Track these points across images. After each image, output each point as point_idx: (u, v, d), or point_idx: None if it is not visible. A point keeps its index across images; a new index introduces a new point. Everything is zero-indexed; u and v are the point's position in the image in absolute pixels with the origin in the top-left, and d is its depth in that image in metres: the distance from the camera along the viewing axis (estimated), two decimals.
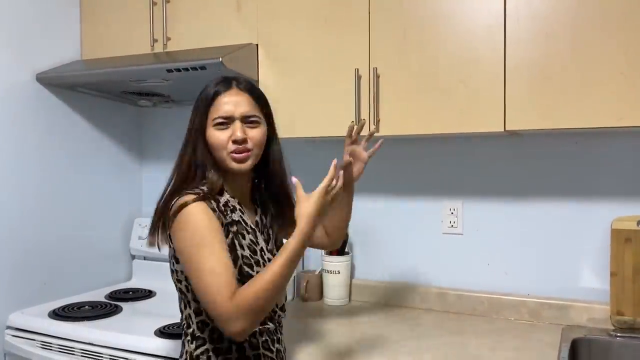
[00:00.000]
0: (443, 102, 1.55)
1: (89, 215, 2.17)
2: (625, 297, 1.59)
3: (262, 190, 1.34)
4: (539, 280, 1.77)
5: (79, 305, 1.91)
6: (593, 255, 1.70)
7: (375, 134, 1.57)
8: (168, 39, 1.92)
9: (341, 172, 1.19)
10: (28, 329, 1.76)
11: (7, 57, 1.86)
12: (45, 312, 1.83)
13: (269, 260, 1.22)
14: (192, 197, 1.14)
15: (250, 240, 1.22)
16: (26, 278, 1.92)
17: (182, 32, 1.91)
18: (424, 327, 1.68)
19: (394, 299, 1.95)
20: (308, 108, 1.72)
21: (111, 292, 2.11)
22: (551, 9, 1.42)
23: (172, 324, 1.64)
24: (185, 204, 1.13)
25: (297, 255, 1.10)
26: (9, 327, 1.81)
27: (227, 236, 1.17)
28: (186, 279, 1.16)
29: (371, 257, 2.03)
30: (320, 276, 2.00)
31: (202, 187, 1.19)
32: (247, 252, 1.20)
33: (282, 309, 1.30)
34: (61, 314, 1.81)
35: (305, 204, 1.13)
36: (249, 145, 1.21)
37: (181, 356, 1.25)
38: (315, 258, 2.06)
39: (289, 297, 2.00)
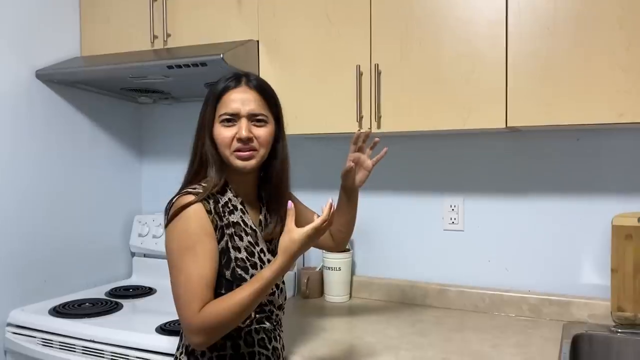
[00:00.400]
0: (444, 99, 1.55)
1: (88, 213, 2.16)
2: (626, 294, 1.59)
3: (267, 189, 1.32)
4: (540, 277, 1.77)
5: (80, 303, 1.91)
6: (594, 251, 1.70)
7: (375, 133, 1.57)
8: (168, 35, 1.92)
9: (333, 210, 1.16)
10: (29, 326, 1.76)
11: (7, 53, 1.85)
12: (46, 309, 1.83)
13: (268, 261, 1.22)
14: (190, 197, 1.15)
15: (249, 242, 1.22)
16: (26, 275, 1.91)
17: (182, 28, 1.90)
18: (425, 324, 1.68)
19: (394, 295, 1.95)
20: (309, 105, 1.72)
21: (111, 290, 2.11)
22: (553, 4, 1.42)
23: (173, 320, 1.64)
24: (181, 206, 1.14)
25: (269, 286, 1.11)
26: (9, 325, 1.80)
27: (221, 239, 1.17)
28: None
29: (372, 254, 2.03)
30: (321, 273, 2.00)
31: (204, 185, 1.19)
32: (243, 255, 1.19)
33: (280, 308, 1.30)
34: (62, 311, 1.81)
35: (291, 239, 1.11)
36: (254, 144, 1.20)
37: (178, 349, 1.26)
38: (315, 255, 2.06)
39: (290, 294, 1.99)
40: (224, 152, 1.20)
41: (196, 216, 1.14)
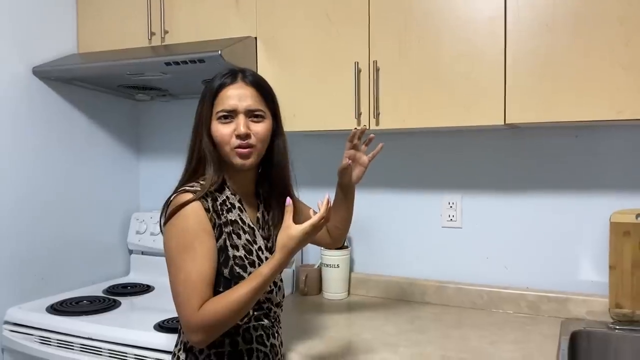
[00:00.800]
0: (443, 96, 1.54)
1: (86, 210, 2.16)
2: (624, 290, 1.59)
3: (265, 186, 1.32)
4: (538, 274, 1.77)
5: (77, 300, 1.90)
6: (592, 248, 1.70)
7: (374, 130, 1.57)
8: (166, 32, 1.91)
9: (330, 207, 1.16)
10: (26, 324, 1.75)
11: (3, 50, 1.84)
12: (43, 307, 1.82)
13: (266, 259, 1.21)
14: (188, 196, 1.14)
15: (247, 240, 1.22)
16: (24, 273, 1.91)
17: (179, 25, 1.89)
18: (423, 321, 1.68)
19: (393, 292, 1.95)
20: (307, 102, 1.71)
21: (109, 287, 2.10)
22: (552, 0, 1.42)
23: (172, 318, 1.64)
24: (179, 204, 1.13)
25: (268, 283, 1.11)
26: (6, 322, 1.80)
27: (220, 237, 1.17)
28: None
29: (370, 251, 2.03)
30: (319, 270, 2.00)
31: (202, 182, 1.18)
32: (241, 253, 1.19)
33: (278, 305, 1.30)
34: (59, 308, 1.81)
35: (289, 236, 1.11)
36: (252, 140, 1.19)
37: (176, 345, 1.26)
38: (314, 252, 2.06)
39: (288, 291, 1.99)
40: (223, 149, 1.20)
41: (195, 214, 1.13)
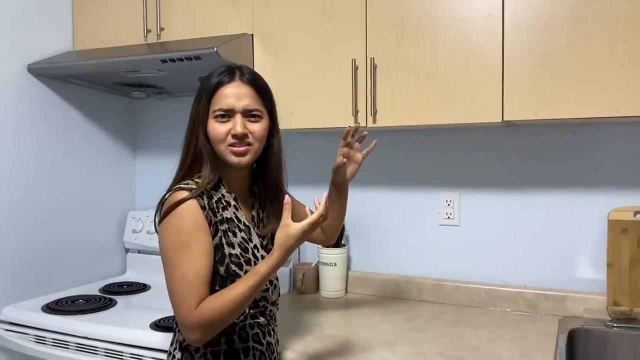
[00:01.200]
0: (441, 93, 1.54)
1: (82, 208, 2.15)
2: (622, 288, 1.59)
3: (260, 184, 1.32)
4: (536, 272, 1.77)
5: (73, 299, 1.89)
6: (590, 246, 1.70)
7: (372, 127, 1.56)
8: (162, 29, 1.90)
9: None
10: (21, 323, 1.74)
11: None
12: (39, 306, 1.81)
13: (262, 257, 1.21)
14: (184, 193, 1.13)
15: (242, 238, 1.21)
16: (19, 272, 1.90)
17: (175, 22, 1.88)
18: (421, 319, 1.68)
19: (390, 290, 1.94)
20: (304, 99, 1.70)
21: (105, 286, 2.09)
22: None
23: (168, 317, 1.63)
24: (175, 202, 1.12)
25: (265, 281, 1.11)
26: (2, 322, 1.78)
27: (216, 235, 1.16)
28: None
29: (368, 249, 2.02)
30: (317, 268, 1.99)
31: (197, 180, 1.18)
32: (237, 251, 1.19)
33: (274, 304, 1.29)
34: (55, 307, 1.80)
35: (287, 234, 1.10)
36: (249, 139, 1.19)
37: (171, 344, 1.26)
38: (311, 250, 2.05)
39: (285, 290, 1.99)
40: (219, 147, 1.19)
41: (191, 212, 1.13)
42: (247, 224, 1.24)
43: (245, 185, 1.29)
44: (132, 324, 1.63)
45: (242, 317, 1.19)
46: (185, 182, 1.17)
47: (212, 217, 1.16)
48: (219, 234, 1.17)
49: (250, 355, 1.21)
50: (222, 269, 1.15)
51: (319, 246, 1.94)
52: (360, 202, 1.98)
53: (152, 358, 1.52)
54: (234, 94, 1.18)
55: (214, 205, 1.18)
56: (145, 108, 2.42)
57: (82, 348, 1.62)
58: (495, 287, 1.79)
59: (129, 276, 2.27)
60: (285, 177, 1.32)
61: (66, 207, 2.08)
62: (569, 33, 1.40)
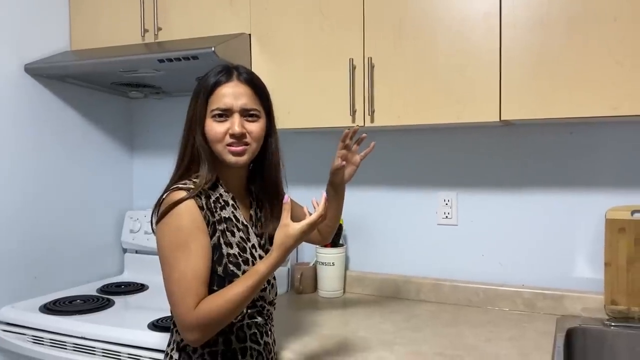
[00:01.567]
0: (438, 92, 1.54)
1: (79, 208, 2.14)
2: (619, 287, 1.59)
3: (257, 184, 1.32)
4: (534, 271, 1.77)
5: (71, 299, 1.89)
6: (587, 245, 1.70)
7: (369, 126, 1.56)
8: (159, 29, 1.90)
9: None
10: (19, 324, 1.74)
11: None
12: (36, 307, 1.81)
13: (260, 257, 1.21)
14: (182, 193, 1.13)
15: (241, 237, 1.21)
16: (17, 272, 1.89)
17: (173, 22, 1.88)
18: (419, 319, 1.68)
19: (388, 290, 1.94)
20: (301, 99, 1.70)
21: (103, 286, 2.09)
22: None
23: (166, 317, 1.63)
24: (173, 202, 1.12)
25: (263, 281, 1.11)
26: None
27: (214, 234, 1.16)
28: None
29: (366, 249, 2.02)
30: (315, 268, 1.99)
31: (195, 180, 1.17)
32: (235, 250, 1.18)
33: (271, 303, 1.29)
34: (52, 308, 1.79)
35: (286, 234, 1.10)
36: (247, 139, 1.19)
37: (169, 345, 1.25)
38: (309, 250, 2.05)
39: (283, 290, 1.98)
40: (216, 147, 1.19)
41: (189, 212, 1.12)
42: (245, 223, 1.24)
43: (242, 184, 1.29)
44: (129, 324, 1.63)
45: (239, 317, 1.19)
46: (183, 182, 1.17)
47: (210, 217, 1.16)
48: (217, 234, 1.17)
49: (248, 355, 1.20)
50: (220, 269, 1.15)
51: (317, 246, 1.94)
52: (358, 202, 1.98)
53: (150, 358, 1.52)
54: (232, 94, 1.18)
55: (212, 205, 1.18)
56: (142, 108, 2.41)
57: (79, 348, 1.62)
58: (493, 287, 1.80)
59: (127, 276, 2.27)
60: (284, 177, 1.32)
61: (63, 207, 2.07)
62: (566, 32, 1.40)
